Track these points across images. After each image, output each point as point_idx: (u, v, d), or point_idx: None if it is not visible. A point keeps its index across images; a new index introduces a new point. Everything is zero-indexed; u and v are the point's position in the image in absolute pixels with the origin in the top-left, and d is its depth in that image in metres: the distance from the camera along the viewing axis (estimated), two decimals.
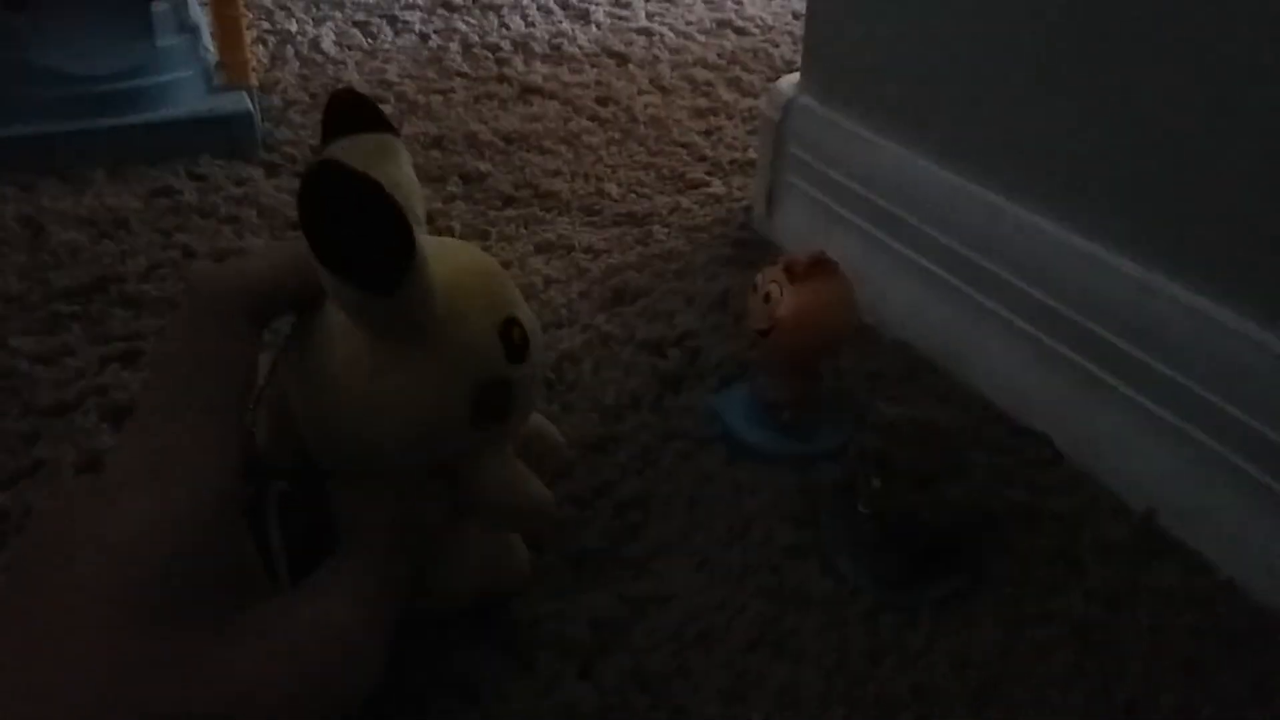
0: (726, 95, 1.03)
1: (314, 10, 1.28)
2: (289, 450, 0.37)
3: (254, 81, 0.91)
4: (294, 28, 1.20)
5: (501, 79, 1.06)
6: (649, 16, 1.28)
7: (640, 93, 1.03)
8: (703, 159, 0.88)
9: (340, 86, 0.33)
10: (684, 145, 0.90)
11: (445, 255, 0.35)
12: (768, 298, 0.49)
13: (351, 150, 0.38)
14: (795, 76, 0.72)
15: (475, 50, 1.14)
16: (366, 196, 0.30)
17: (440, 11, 1.29)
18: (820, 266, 0.49)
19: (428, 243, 0.35)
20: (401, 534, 0.36)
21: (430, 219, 0.76)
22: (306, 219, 0.30)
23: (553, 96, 1.02)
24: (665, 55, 1.14)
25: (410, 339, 0.34)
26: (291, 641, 0.30)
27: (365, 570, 0.34)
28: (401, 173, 0.39)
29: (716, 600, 0.43)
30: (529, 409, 0.39)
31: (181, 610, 0.27)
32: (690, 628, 0.42)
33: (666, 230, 0.75)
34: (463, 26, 1.22)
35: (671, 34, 1.21)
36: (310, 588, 0.32)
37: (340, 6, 1.30)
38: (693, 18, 1.28)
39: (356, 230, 0.30)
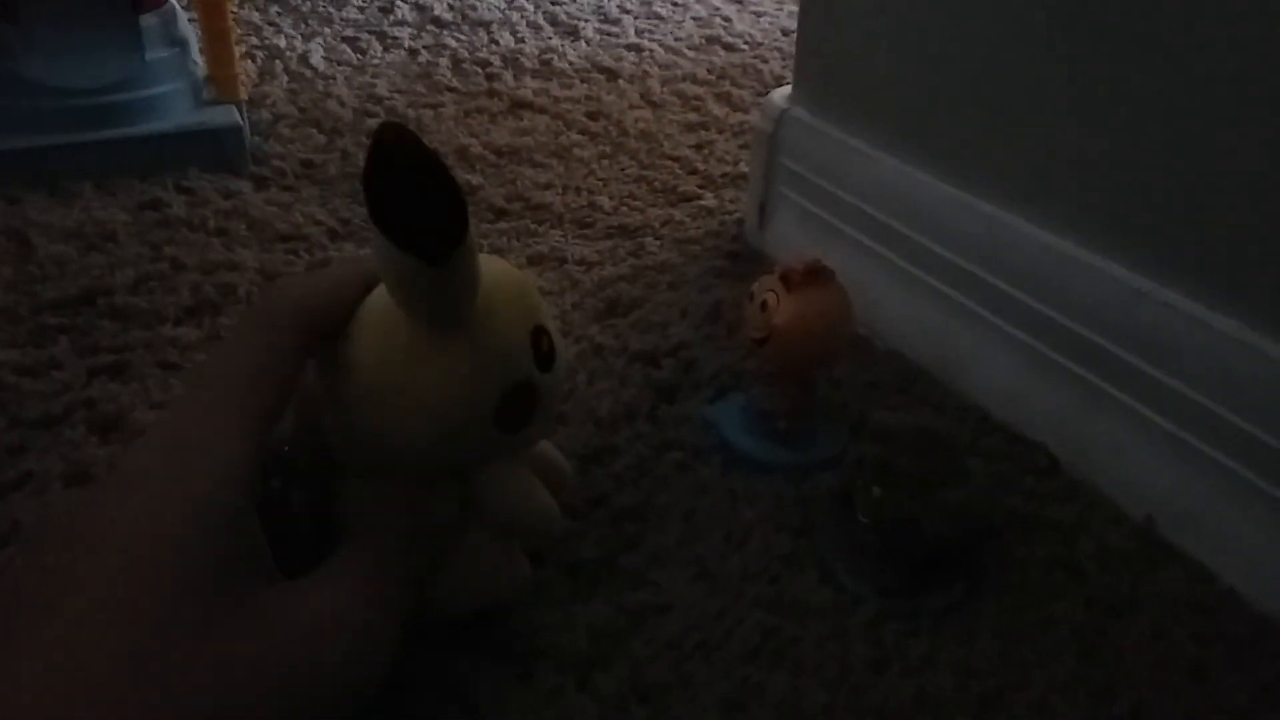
0: (717, 110, 1.03)
1: (303, 26, 1.27)
2: (309, 448, 0.37)
3: (243, 95, 0.91)
4: (283, 43, 1.19)
5: (492, 94, 1.06)
6: (638, 33, 1.29)
7: (631, 107, 1.03)
8: (694, 172, 0.88)
9: (384, 120, 0.33)
10: (675, 159, 0.91)
11: (482, 263, 0.36)
12: (764, 306, 0.49)
13: None
14: (787, 89, 0.72)
15: (465, 66, 1.14)
16: (429, 166, 0.31)
17: (429, 28, 1.29)
18: (817, 274, 0.49)
19: None
20: (414, 529, 0.36)
21: None
22: (370, 182, 0.31)
23: (543, 111, 1.02)
24: (655, 71, 1.14)
25: (448, 324, 0.34)
26: (304, 627, 0.29)
27: (377, 561, 0.34)
28: None
29: (715, 610, 0.43)
30: (550, 421, 0.39)
31: (188, 597, 0.27)
32: (689, 638, 0.41)
33: (659, 242, 0.75)
34: (452, 43, 1.22)
35: (661, 50, 1.22)
36: (322, 576, 0.32)
37: (329, 23, 1.29)
38: (682, 34, 1.29)
39: (416, 196, 0.31)
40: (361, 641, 0.31)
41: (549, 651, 0.40)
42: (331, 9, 1.35)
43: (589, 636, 0.40)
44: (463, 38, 1.25)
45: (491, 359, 0.35)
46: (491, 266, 0.37)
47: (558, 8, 1.38)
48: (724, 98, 1.07)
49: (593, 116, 1.00)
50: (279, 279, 0.68)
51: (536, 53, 1.20)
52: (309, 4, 1.37)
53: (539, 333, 0.37)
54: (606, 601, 0.42)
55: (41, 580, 0.27)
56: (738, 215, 0.79)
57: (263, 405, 0.32)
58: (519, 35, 1.27)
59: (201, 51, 0.92)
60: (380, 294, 0.36)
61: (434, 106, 1.02)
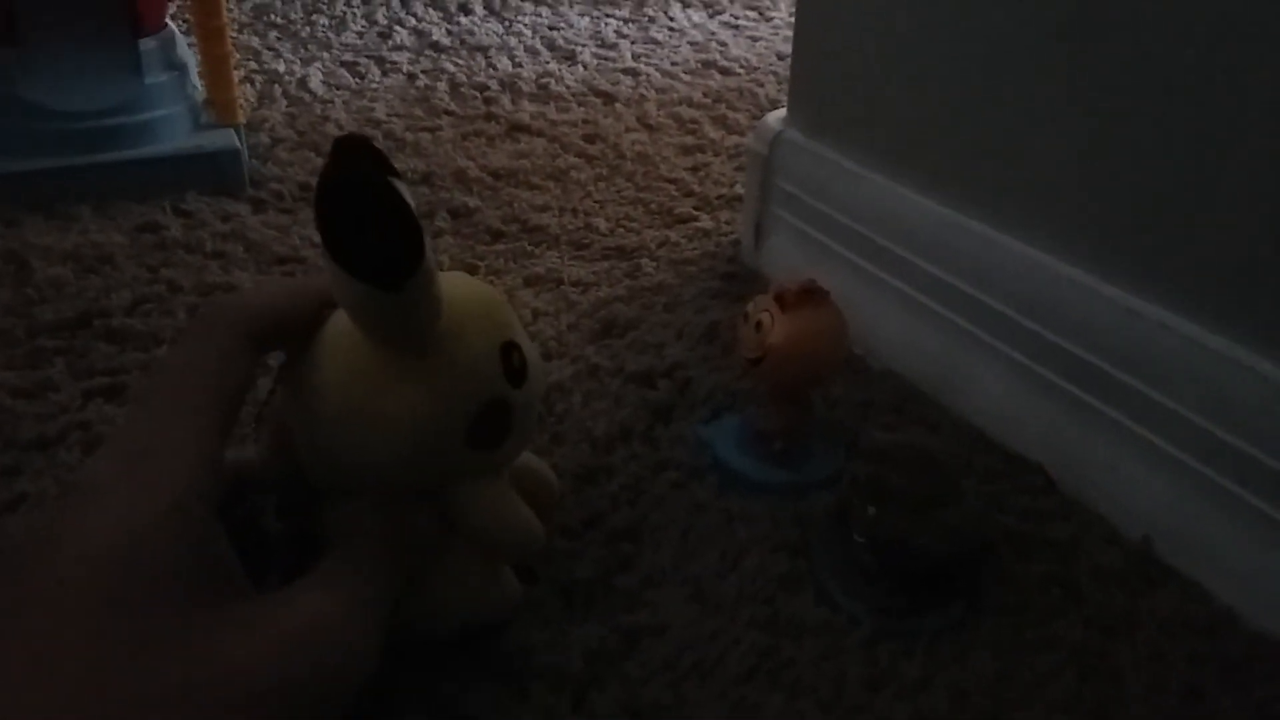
0: (713, 133, 1.03)
1: (301, 51, 1.28)
2: (286, 470, 0.37)
3: (241, 119, 0.92)
4: (281, 68, 1.20)
5: (489, 117, 1.07)
6: (635, 57, 1.29)
7: (627, 130, 1.04)
8: (690, 194, 0.88)
9: (341, 134, 0.33)
10: (671, 181, 0.91)
11: (448, 281, 0.36)
12: (759, 326, 0.49)
13: None
14: (783, 111, 0.73)
15: (463, 90, 1.15)
16: (380, 191, 0.31)
17: (428, 52, 1.30)
18: (811, 295, 0.49)
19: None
20: (393, 543, 0.36)
21: None
22: (321, 212, 0.31)
23: (540, 134, 1.02)
24: (652, 94, 1.15)
25: (411, 349, 0.34)
26: (279, 632, 0.29)
27: (357, 570, 0.34)
28: None
29: (710, 631, 0.42)
30: (526, 437, 0.39)
31: (159, 605, 0.27)
32: (685, 658, 0.41)
33: (655, 264, 0.75)
34: (450, 67, 1.23)
35: (657, 74, 1.23)
36: (301, 586, 0.32)
37: (328, 48, 1.30)
38: (678, 59, 1.29)
39: (368, 224, 0.31)
40: (340, 650, 0.31)
41: (544, 672, 0.40)
42: (330, 34, 1.36)
43: (584, 657, 0.40)
44: (461, 62, 1.26)
45: (459, 379, 0.35)
46: (457, 283, 0.37)
47: (555, 33, 1.39)
48: (720, 121, 1.07)
49: (590, 139, 1.01)
50: (231, 291, 0.69)
51: (534, 77, 1.21)
52: (308, 30, 1.38)
53: (509, 348, 0.37)
54: (601, 622, 0.42)
55: (6, 594, 0.27)
56: (733, 237, 0.79)
57: (217, 413, 0.32)
58: (516, 60, 1.27)
59: (200, 76, 0.92)
60: (344, 316, 0.36)
61: (432, 130, 1.02)
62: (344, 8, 1.47)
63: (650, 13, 1.51)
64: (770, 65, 1.27)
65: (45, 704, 0.25)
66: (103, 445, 0.31)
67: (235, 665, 0.28)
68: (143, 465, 0.30)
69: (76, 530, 0.28)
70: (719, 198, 0.88)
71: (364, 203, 0.31)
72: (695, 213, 0.84)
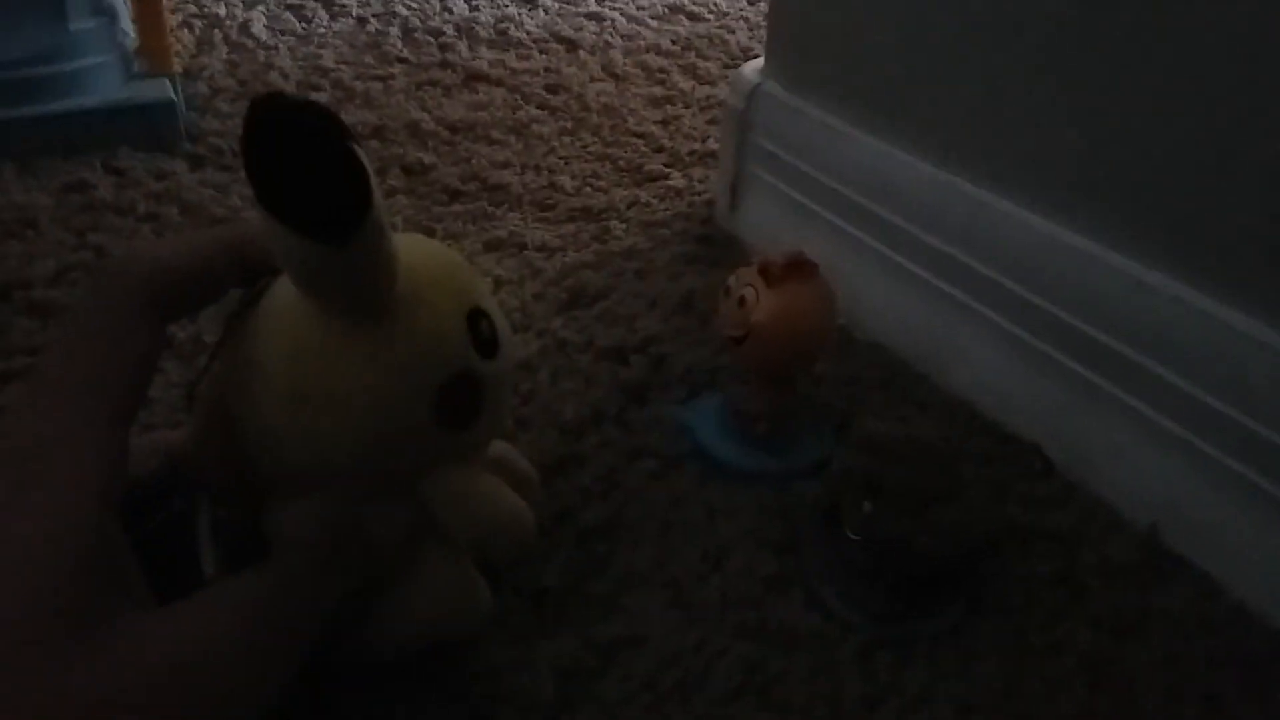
0: (683, 83, 0.99)
1: None
2: (217, 456, 0.33)
3: (177, 68, 0.86)
4: (222, 11, 1.13)
5: (445, 65, 1.01)
6: (599, 1, 1.24)
7: (592, 80, 0.99)
8: (660, 150, 0.84)
9: (261, 92, 0.28)
10: (640, 135, 0.86)
11: (406, 245, 0.32)
12: (742, 301, 0.45)
13: None
14: (759, 62, 0.68)
15: (416, 35, 1.09)
16: (318, 131, 0.26)
17: None
18: (799, 268, 0.45)
19: None
20: (338, 548, 0.32)
21: None
22: (250, 158, 0.26)
23: (499, 84, 0.97)
24: (617, 41, 1.10)
25: (362, 315, 0.30)
26: (159, 656, 0.26)
27: (279, 583, 0.30)
28: None
29: (694, 641, 0.39)
30: (500, 416, 0.35)
31: (38, 618, 0.25)
32: (665, 675, 0.38)
33: (624, 226, 0.71)
34: (403, 10, 1.17)
35: (623, 19, 1.17)
36: (202, 598, 0.29)
37: None
38: (644, 3, 1.24)
39: (308, 170, 0.26)
40: (228, 675, 0.27)
41: (511, 696, 0.36)
42: None
43: (555, 678, 0.37)
44: (414, 5, 1.19)
45: (421, 349, 0.31)
46: (415, 246, 0.33)
47: None
48: (689, 70, 1.02)
49: (552, 90, 0.96)
50: (121, 251, 0.63)
51: (492, 21, 1.15)
52: None
53: (476, 315, 0.33)
54: (574, 635, 0.39)
55: None
56: (707, 196, 0.75)
57: (116, 397, 0.29)
58: (473, 3, 1.21)
59: (132, 20, 0.86)
60: (286, 283, 0.31)
61: (383, 79, 0.96)
62: None
63: None
64: (741, 10, 1.22)
65: None
66: None
67: (101, 695, 0.25)
68: (25, 470, 0.27)
69: None
70: (691, 153, 0.83)
71: (301, 144, 0.26)
72: (666, 170, 0.80)
